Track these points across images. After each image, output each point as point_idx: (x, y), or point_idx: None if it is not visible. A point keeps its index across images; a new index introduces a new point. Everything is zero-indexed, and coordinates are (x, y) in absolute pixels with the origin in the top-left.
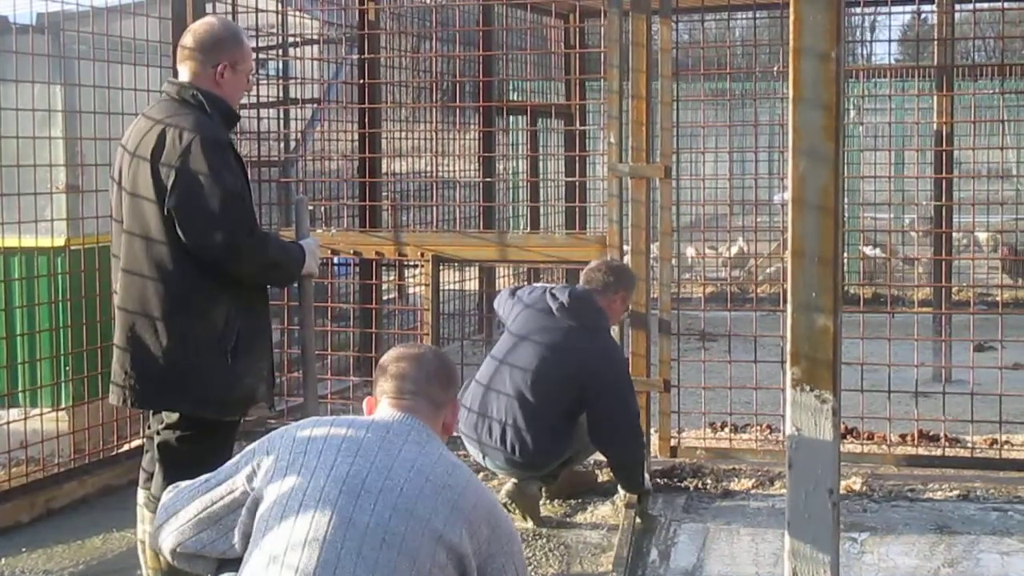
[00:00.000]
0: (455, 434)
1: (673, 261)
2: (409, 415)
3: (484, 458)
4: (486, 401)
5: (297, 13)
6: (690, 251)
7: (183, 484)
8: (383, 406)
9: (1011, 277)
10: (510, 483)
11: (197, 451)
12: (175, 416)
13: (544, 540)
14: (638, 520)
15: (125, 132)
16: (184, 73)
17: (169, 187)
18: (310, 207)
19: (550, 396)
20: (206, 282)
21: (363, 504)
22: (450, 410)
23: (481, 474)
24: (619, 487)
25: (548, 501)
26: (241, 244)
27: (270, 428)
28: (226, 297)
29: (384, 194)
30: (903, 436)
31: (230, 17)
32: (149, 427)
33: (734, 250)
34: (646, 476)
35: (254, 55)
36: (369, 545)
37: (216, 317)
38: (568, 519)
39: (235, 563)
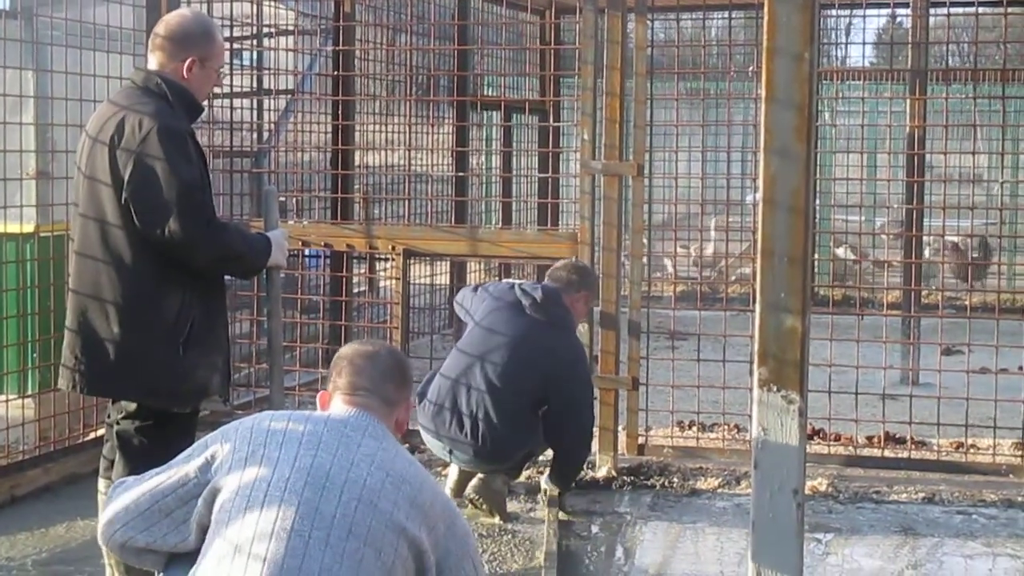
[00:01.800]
0: (413, 427)
1: (644, 259)
2: (364, 411)
3: (450, 453)
4: (455, 394)
5: (272, 3)
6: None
7: (130, 479)
8: (336, 402)
9: (958, 278)
10: (476, 479)
11: (156, 442)
12: (133, 406)
13: (510, 536)
14: (561, 514)
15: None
16: (152, 63)
17: (126, 176)
18: (282, 198)
19: (520, 388)
20: (161, 270)
21: (328, 495)
22: (403, 408)
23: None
24: (545, 481)
25: (512, 497)
26: (196, 234)
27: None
28: (180, 287)
29: (356, 187)
30: (870, 438)
31: (205, 7)
32: (109, 416)
33: (709, 250)
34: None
35: (228, 45)
36: (336, 535)
37: (169, 306)
38: (532, 514)
39: (186, 557)
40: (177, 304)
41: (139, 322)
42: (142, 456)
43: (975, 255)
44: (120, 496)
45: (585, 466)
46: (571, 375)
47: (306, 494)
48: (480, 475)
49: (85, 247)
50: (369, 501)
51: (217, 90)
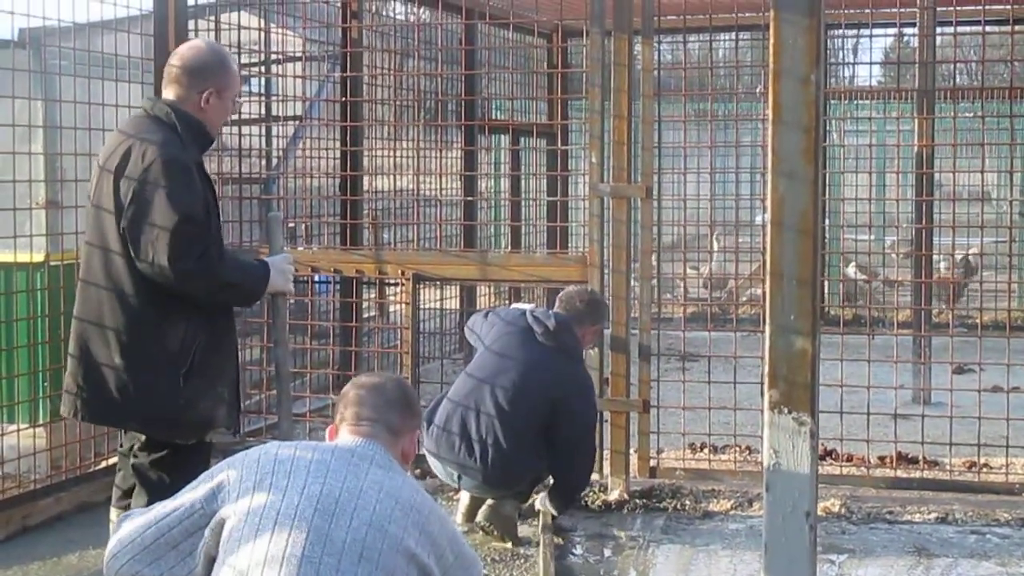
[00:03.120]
0: (420, 452)
1: (653, 281)
2: (370, 440)
3: (458, 479)
4: (464, 419)
5: (280, 30)
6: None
7: (136, 511)
8: (343, 433)
9: (939, 300)
10: (486, 505)
11: (173, 473)
12: (143, 436)
13: (522, 560)
14: (557, 539)
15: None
16: (169, 95)
17: (125, 204)
18: (291, 224)
19: (530, 413)
20: (163, 299)
21: (339, 522)
22: (409, 438)
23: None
24: (541, 502)
25: (522, 521)
26: (188, 269)
27: (244, 448)
28: (184, 316)
29: (365, 212)
30: (882, 458)
31: (212, 35)
32: (121, 445)
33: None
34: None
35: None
36: (348, 560)
37: (172, 336)
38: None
39: None
40: (180, 334)
41: (140, 352)
42: (160, 489)
43: (958, 271)
44: (126, 529)
45: (596, 489)
46: (582, 404)
47: (316, 521)
48: (490, 501)
49: (89, 275)
50: (379, 526)
51: None
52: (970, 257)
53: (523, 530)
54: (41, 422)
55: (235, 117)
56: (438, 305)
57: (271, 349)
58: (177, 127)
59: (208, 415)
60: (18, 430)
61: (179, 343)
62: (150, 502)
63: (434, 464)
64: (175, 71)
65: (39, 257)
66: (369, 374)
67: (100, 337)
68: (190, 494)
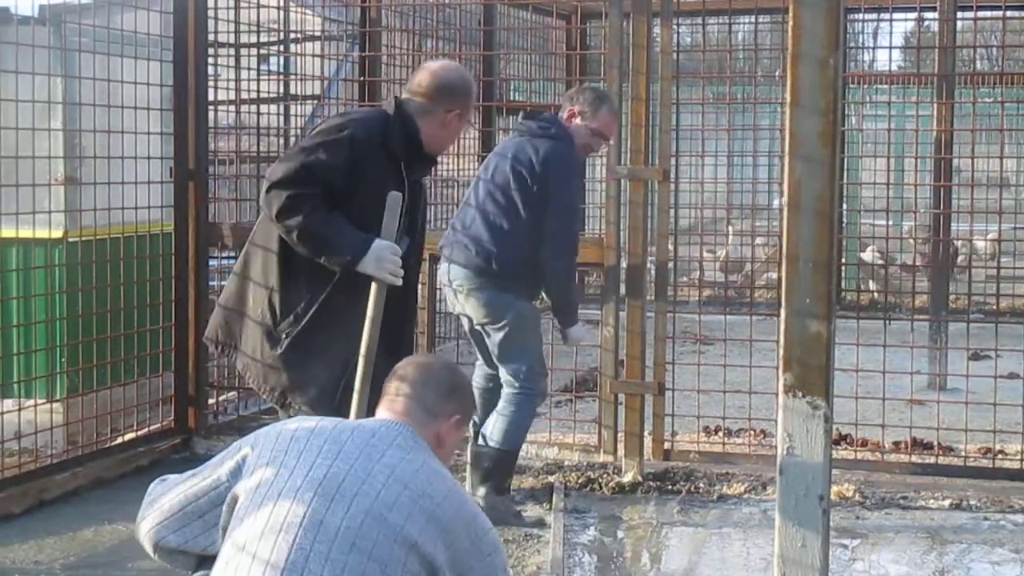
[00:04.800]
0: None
1: (670, 264)
2: (398, 420)
3: (448, 272)
4: (460, 215)
5: (299, 9)
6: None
7: (171, 477)
8: (379, 410)
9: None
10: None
11: None
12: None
13: (534, 541)
14: (584, 518)
15: None
16: (412, 106)
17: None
18: None
19: (508, 195)
20: (284, 260)
21: (336, 508)
22: (447, 423)
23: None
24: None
25: (534, 501)
26: (291, 205)
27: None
28: (308, 287)
29: None
30: (897, 443)
31: (232, 13)
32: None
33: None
34: (577, 317)
35: (255, 51)
36: (339, 548)
37: (288, 300)
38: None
39: (214, 560)
40: (295, 301)
41: (257, 307)
42: None
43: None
44: (156, 493)
45: (610, 471)
46: (556, 172)
47: (313, 505)
48: (480, 492)
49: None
50: (378, 514)
51: (244, 95)
52: (956, 243)
53: (535, 510)
54: (58, 397)
55: (253, 95)
56: None
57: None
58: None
59: (293, 386)
60: (35, 405)
61: (291, 307)
62: None
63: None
64: (425, 86)
65: (57, 233)
66: (426, 355)
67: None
68: (218, 466)
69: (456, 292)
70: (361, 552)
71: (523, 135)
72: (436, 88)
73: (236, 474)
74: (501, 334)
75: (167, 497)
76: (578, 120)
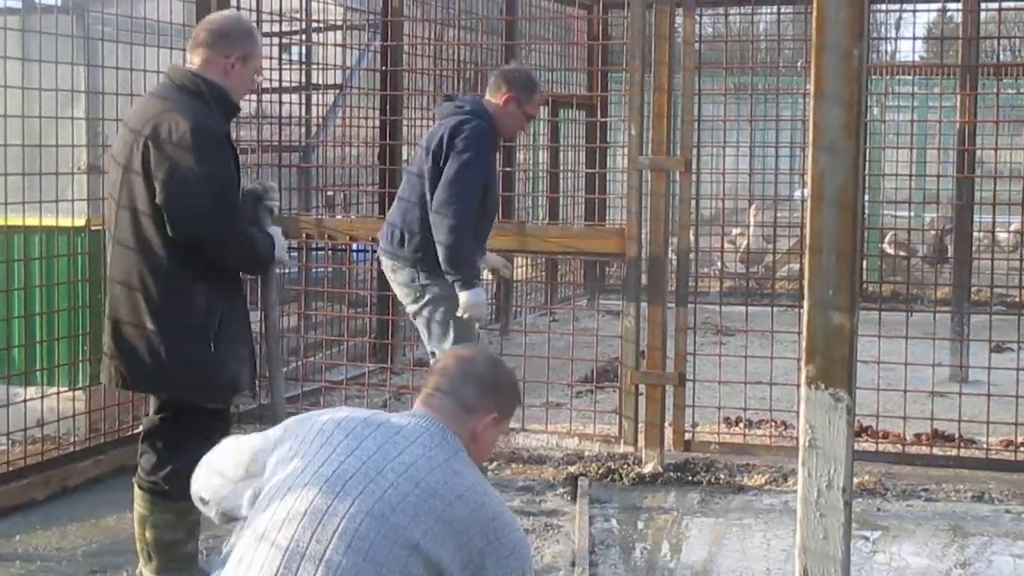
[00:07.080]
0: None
1: (691, 255)
2: (430, 415)
3: (381, 261)
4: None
5: None
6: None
7: (244, 437)
8: (416, 403)
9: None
10: None
11: (192, 435)
12: (164, 402)
13: (554, 531)
14: (605, 509)
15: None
16: (195, 60)
17: (160, 178)
18: (329, 192)
19: (421, 176)
20: (192, 265)
21: (337, 507)
22: (483, 420)
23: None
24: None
25: (553, 491)
26: (222, 236)
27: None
28: (208, 282)
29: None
30: (918, 435)
31: (255, 2)
32: (146, 414)
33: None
34: (473, 282)
35: (278, 40)
36: (334, 549)
37: (200, 301)
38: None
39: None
40: (205, 299)
41: (171, 317)
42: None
43: (926, 251)
44: (217, 452)
45: (631, 461)
46: (457, 142)
47: (316, 502)
48: None
49: (119, 236)
50: (380, 514)
51: (266, 84)
52: (945, 236)
53: (555, 501)
54: (81, 385)
55: (275, 85)
56: None
57: (310, 316)
58: (206, 96)
59: (234, 378)
60: (58, 393)
61: (207, 307)
62: (167, 462)
63: None
64: (203, 35)
65: (80, 221)
66: (471, 346)
67: (130, 300)
68: (264, 440)
69: (390, 280)
70: (357, 552)
71: (443, 117)
72: (212, 36)
73: (268, 454)
74: (422, 316)
75: (223, 458)
76: (513, 106)
